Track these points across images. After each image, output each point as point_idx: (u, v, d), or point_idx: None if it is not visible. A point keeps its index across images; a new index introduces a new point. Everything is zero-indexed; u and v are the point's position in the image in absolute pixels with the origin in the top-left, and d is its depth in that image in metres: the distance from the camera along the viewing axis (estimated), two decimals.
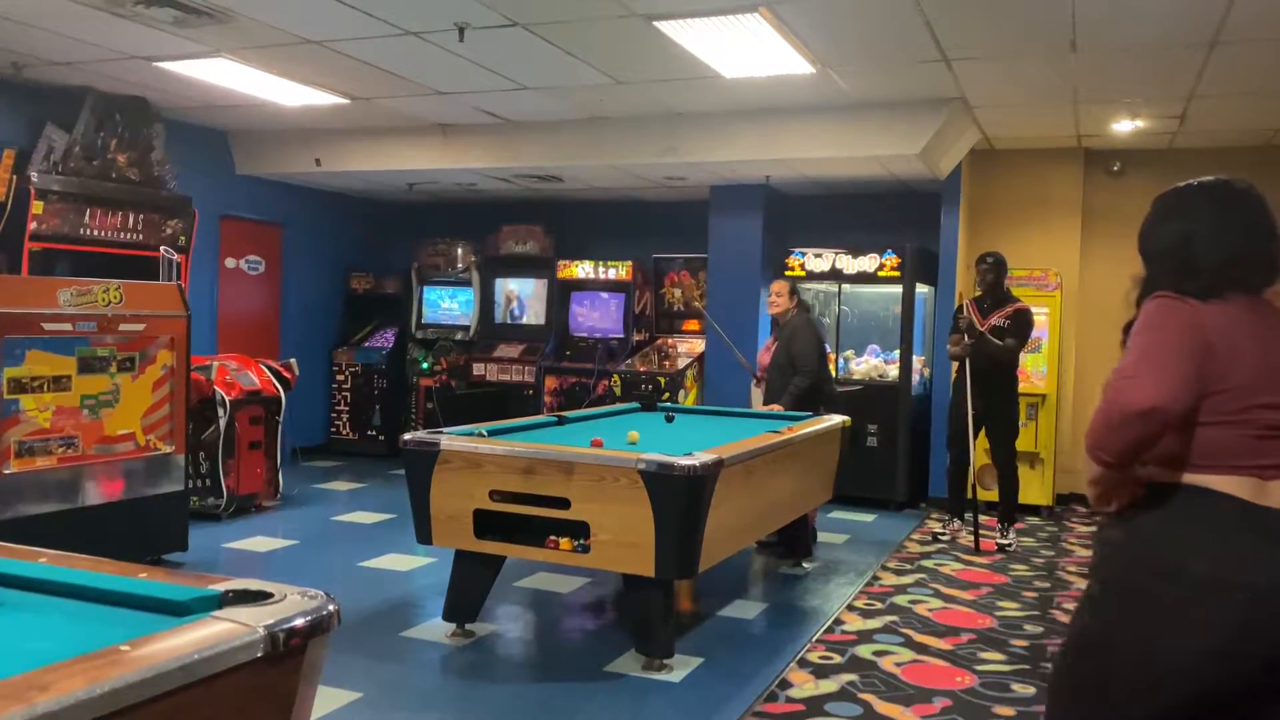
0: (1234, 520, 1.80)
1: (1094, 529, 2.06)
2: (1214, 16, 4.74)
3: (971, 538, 6.41)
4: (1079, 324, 8.04)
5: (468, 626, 4.46)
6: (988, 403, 6.35)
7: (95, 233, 6.67)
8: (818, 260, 8.02)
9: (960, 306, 6.74)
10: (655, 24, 5.06)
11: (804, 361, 6.01)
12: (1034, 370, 7.64)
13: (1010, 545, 6.34)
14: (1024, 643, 4.53)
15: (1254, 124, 6.92)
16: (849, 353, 8.17)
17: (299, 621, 1.65)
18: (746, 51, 5.48)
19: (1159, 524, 1.86)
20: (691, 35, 5.22)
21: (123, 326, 5.17)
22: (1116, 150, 7.92)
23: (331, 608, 1.74)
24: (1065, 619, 4.90)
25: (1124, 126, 7.13)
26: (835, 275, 7.99)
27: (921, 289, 7.91)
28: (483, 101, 7.00)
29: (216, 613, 1.67)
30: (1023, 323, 6.33)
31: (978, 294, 6.67)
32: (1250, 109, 6.53)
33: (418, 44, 5.57)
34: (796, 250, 8.12)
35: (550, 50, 5.61)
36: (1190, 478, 1.85)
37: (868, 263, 7.85)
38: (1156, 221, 2.15)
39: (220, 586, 1.81)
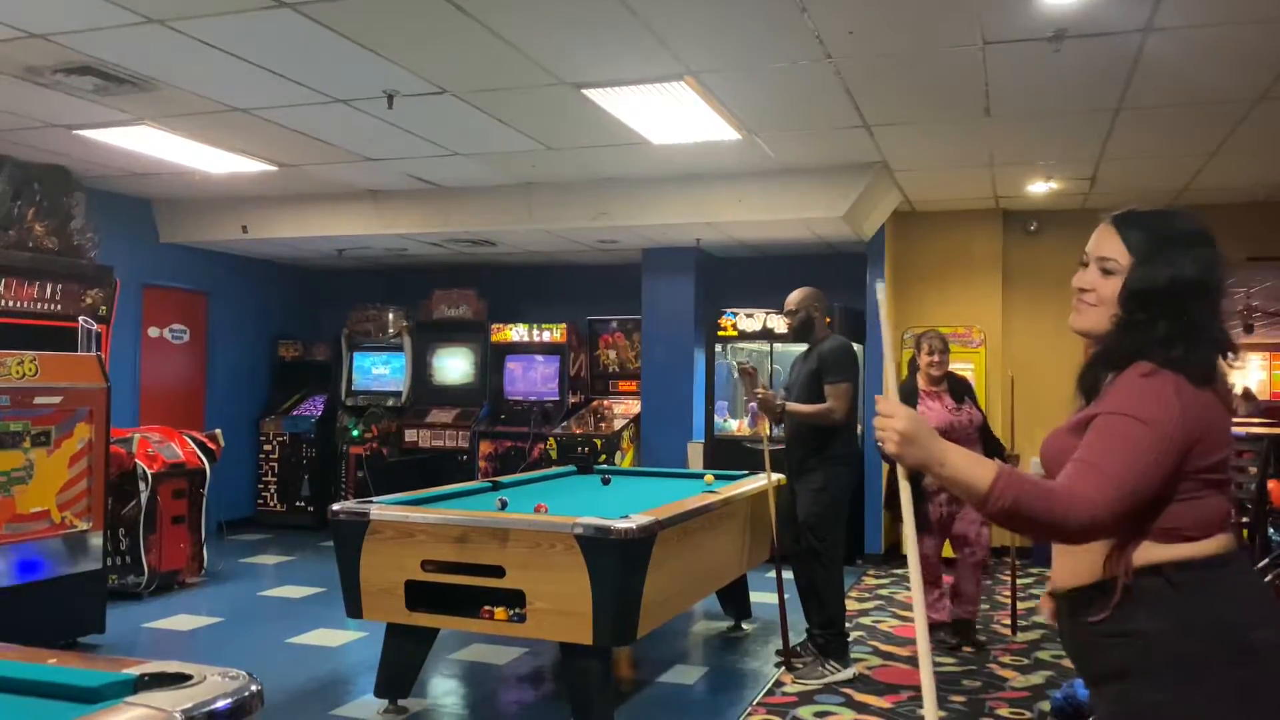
0: (1260, 583, 1.70)
1: (1074, 623, 1.77)
2: (1116, 85, 4.98)
3: None
4: (1003, 379, 8.23)
5: (401, 703, 4.32)
6: None
7: (10, 303, 6.46)
8: (749, 320, 8.12)
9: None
10: (583, 92, 5.15)
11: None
12: None
13: None
14: (962, 698, 4.54)
15: (1159, 185, 7.24)
16: None
17: (219, 705, 1.59)
18: (674, 118, 5.59)
19: (1208, 602, 1.64)
20: (619, 103, 5.32)
21: (38, 399, 5.00)
22: (1033, 210, 8.21)
23: (254, 689, 1.68)
24: (1001, 672, 4.93)
25: (1039, 188, 7.40)
26: (766, 335, 8.09)
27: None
28: (413, 167, 7.01)
29: (130, 698, 1.60)
30: None
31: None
32: (1155, 170, 6.84)
33: (346, 111, 5.58)
34: (729, 310, 8.22)
35: (480, 117, 5.65)
36: (1190, 549, 1.67)
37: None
38: (1162, 248, 1.74)
39: (135, 670, 1.73)
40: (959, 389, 5.51)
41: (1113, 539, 1.67)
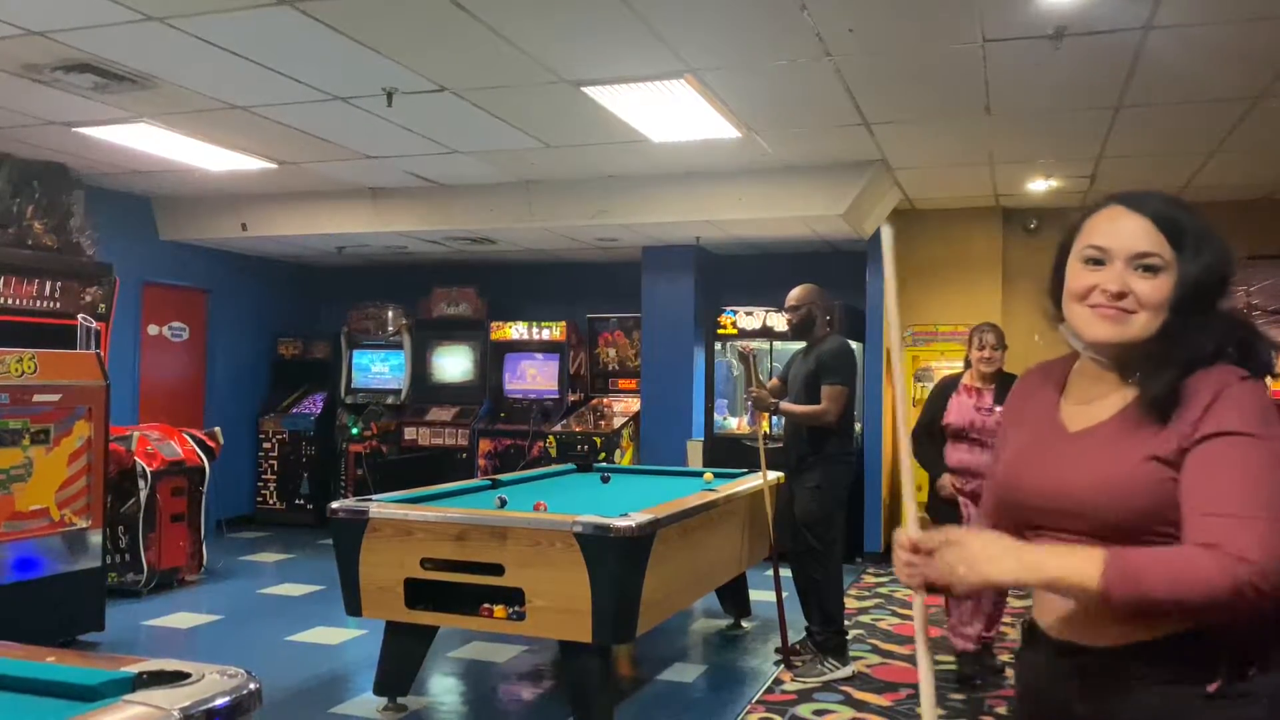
0: None
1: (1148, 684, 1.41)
2: (1116, 83, 4.97)
3: None
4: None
5: (400, 700, 4.32)
6: None
7: (10, 301, 6.46)
8: (749, 318, 8.12)
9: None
10: (584, 89, 5.14)
11: None
12: None
13: None
14: (961, 696, 4.54)
15: (1159, 183, 7.19)
16: None
17: (218, 703, 1.58)
18: (674, 116, 5.58)
19: None
20: (619, 101, 5.31)
21: (37, 397, 4.99)
22: (1032, 208, 8.20)
23: (253, 686, 1.67)
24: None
25: (1038, 186, 7.39)
26: (766, 333, 8.09)
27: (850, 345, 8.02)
28: (412, 165, 7.00)
29: (128, 696, 1.59)
30: None
31: None
32: (1155, 168, 6.83)
33: (346, 109, 5.57)
34: (729, 309, 8.21)
35: (480, 115, 5.65)
36: None
37: None
38: (1202, 240, 1.47)
39: (134, 668, 1.73)
40: (1007, 390, 4.99)
41: None
